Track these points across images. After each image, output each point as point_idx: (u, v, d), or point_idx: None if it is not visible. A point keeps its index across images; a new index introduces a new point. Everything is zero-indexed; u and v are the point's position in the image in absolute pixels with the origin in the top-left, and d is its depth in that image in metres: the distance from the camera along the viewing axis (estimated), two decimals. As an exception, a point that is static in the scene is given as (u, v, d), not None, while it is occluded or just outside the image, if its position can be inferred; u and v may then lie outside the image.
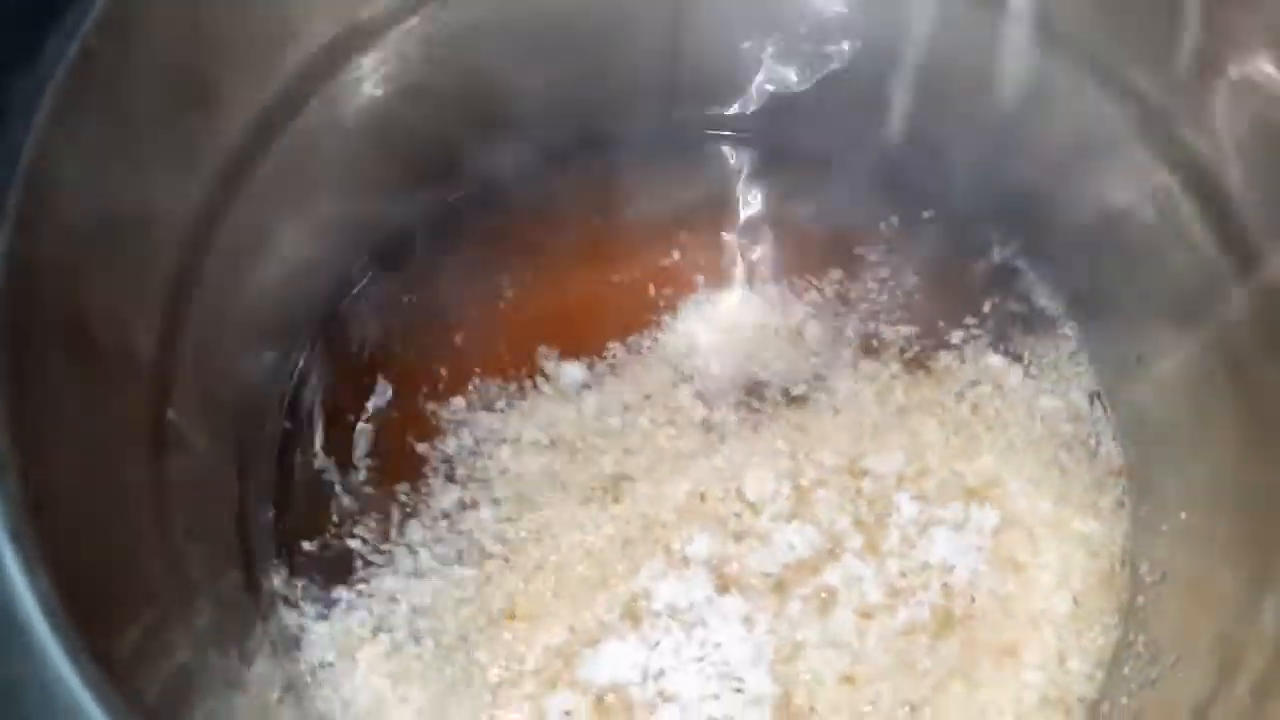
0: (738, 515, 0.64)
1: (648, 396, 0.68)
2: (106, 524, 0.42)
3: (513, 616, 0.61)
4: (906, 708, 0.60)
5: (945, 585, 0.63)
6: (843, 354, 0.69)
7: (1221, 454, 0.60)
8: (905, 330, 0.70)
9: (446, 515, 0.64)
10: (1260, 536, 0.55)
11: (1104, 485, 0.66)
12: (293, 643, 0.59)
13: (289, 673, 0.57)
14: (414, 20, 0.60)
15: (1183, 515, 0.62)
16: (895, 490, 0.65)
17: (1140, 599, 0.63)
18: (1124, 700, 0.60)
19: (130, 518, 0.44)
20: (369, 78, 0.60)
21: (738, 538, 0.64)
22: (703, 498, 0.65)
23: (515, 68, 0.64)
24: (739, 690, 0.60)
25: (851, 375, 0.69)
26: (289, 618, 0.60)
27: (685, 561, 0.63)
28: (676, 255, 0.72)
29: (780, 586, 0.63)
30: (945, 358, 0.69)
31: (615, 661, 0.60)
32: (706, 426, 0.67)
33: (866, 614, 0.62)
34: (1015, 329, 0.71)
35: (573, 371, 0.68)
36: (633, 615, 0.61)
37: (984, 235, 0.72)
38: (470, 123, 0.66)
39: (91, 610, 0.36)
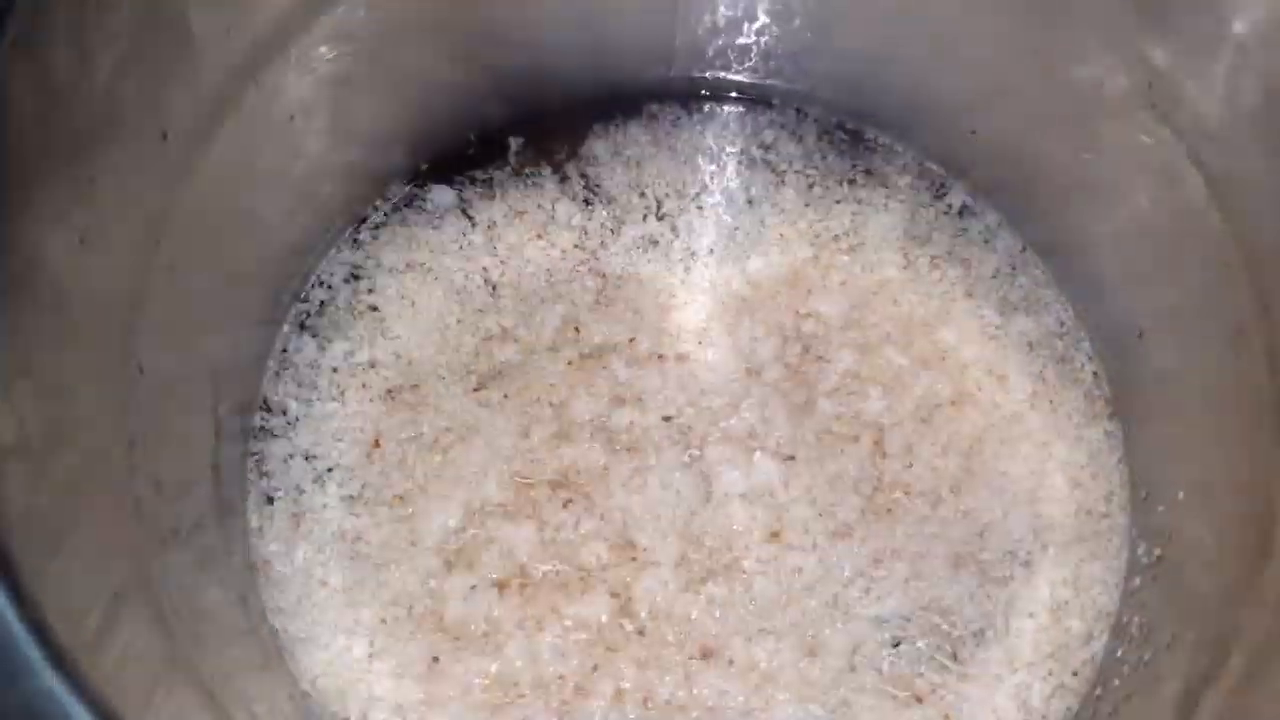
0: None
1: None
2: (64, 476, 0.41)
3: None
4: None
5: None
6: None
7: (1220, 430, 0.58)
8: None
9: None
10: (1260, 514, 0.53)
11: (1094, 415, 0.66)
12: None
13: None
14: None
15: (1180, 495, 0.61)
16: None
17: (1136, 580, 0.62)
18: (1116, 682, 0.59)
19: (91, 470, 0.43)
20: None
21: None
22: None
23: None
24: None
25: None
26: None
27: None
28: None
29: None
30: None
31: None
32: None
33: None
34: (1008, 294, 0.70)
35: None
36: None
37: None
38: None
39: (39, 557, 0.35)
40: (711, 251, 0.71)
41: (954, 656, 0.61)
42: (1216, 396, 0.59)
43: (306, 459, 0.64)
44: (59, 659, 0.30)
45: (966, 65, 0.68)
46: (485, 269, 0.70)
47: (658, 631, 0.61)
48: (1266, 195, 0.55)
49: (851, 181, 0.73)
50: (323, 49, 0.59)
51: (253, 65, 0.54)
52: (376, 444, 0.65)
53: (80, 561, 0.38)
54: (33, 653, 0.30)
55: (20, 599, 0.32)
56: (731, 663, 0.60)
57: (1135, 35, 0.58)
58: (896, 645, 0.60)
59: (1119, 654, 0.60)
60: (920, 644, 0.61)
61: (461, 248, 0.71)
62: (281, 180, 0.62)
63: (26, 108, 0.39)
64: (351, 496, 0.63)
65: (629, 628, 0.61)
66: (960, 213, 0.73)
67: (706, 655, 0.60)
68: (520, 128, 0.73)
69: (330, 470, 0.64)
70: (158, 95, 0.48)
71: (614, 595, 0.61)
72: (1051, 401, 0.68)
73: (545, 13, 0.68)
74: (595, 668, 0.60)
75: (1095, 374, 0.68)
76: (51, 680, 0.30)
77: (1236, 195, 0.57)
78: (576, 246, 0.71)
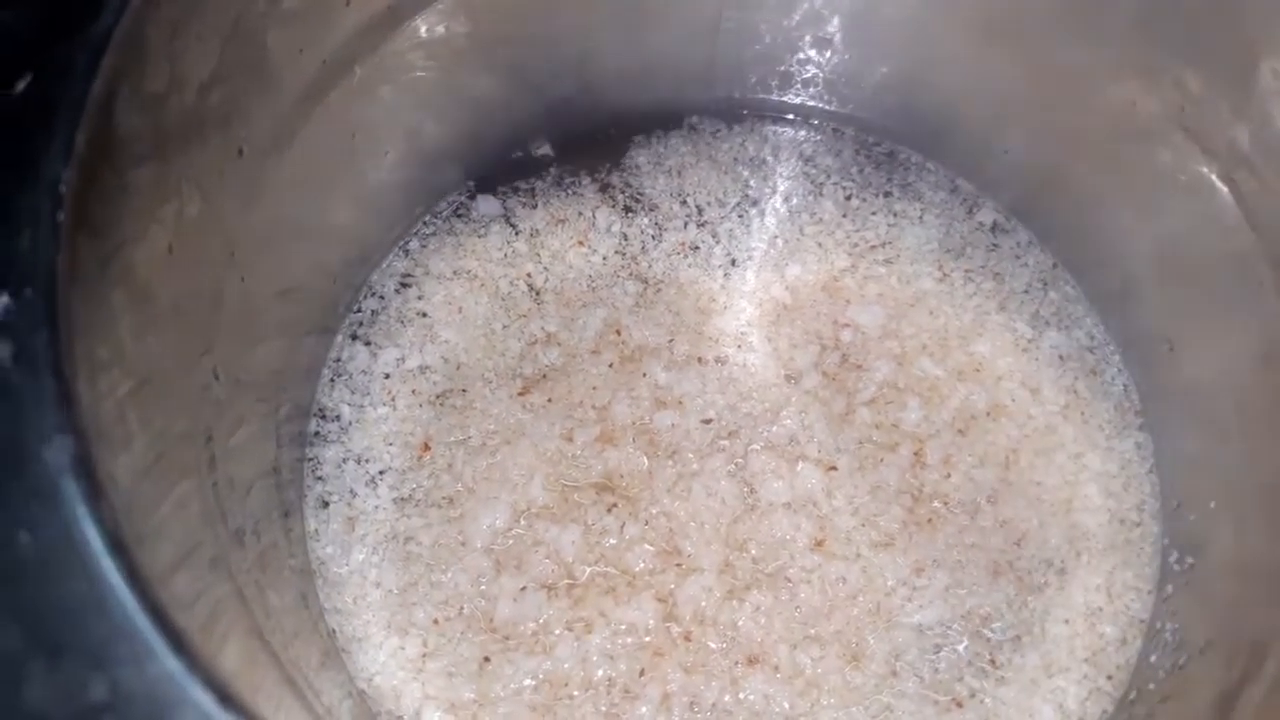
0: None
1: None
2: (157, 456, 0.42)
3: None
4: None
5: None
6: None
7: (1252, 440, 0.60)
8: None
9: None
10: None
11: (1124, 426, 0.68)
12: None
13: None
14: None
15: (1211, 504, 0.62)
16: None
17: (1169, 587, 0.64)
18: (1151, 686, 0.60)
19: (180, 457, 0.45)
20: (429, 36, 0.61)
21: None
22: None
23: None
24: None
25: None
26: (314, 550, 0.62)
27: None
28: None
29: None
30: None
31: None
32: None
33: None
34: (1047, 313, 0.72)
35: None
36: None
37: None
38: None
39: (145, 542, 0.36)
40: (751, 258, 0.73)
41: (993, 662, 0.62)
42: (1246, 408, 0.61)
43: (359, 463, 0.66)
44: (178, 643, 0.32)
45: (999, 88, 0.70)
46: (529, 275, 0.72)
47: (703, 637, 0.62)
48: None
49: (888, 194, 0.75)
50: (386, 70, 0.61)
51: (322, 86, 0.56)
52: (426, 447, 0.67)
53: (178, 548, 0.40)
54: (153, 637, 0.31)
55: (137, 582, 0.33)
56: (777, 669, 0.61)
57: (1167, 59, 0.60)
58: (937, 651, 0.62)
59: (1153, 659, 0.62)
60: (960, 650, 0.62)
61: (506, 255, 0.72)
62: (343, 195, 0.64)
63: (126, 113, 0.40)
64: (403, 499, 0.65)
65: (675, 632, 0.62)
66: (993, 229, 0.75)
67: (752, 661, 0.61)
68: (564, 140, 0.75)
69: (382, 473, 0.66)
70: (237, 112, 0.50)
71: (660, 600, 0.63)
72: (1083, 413, 0.69)
73: (591, 36, 0.70)
74: (642, 671, 0.61)
75: (1125, 386, 0.70)
76: (172, 664, 0.31)
77: (1267, 214, 0.59)
78: (617, 253, 0.73)
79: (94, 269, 0.38)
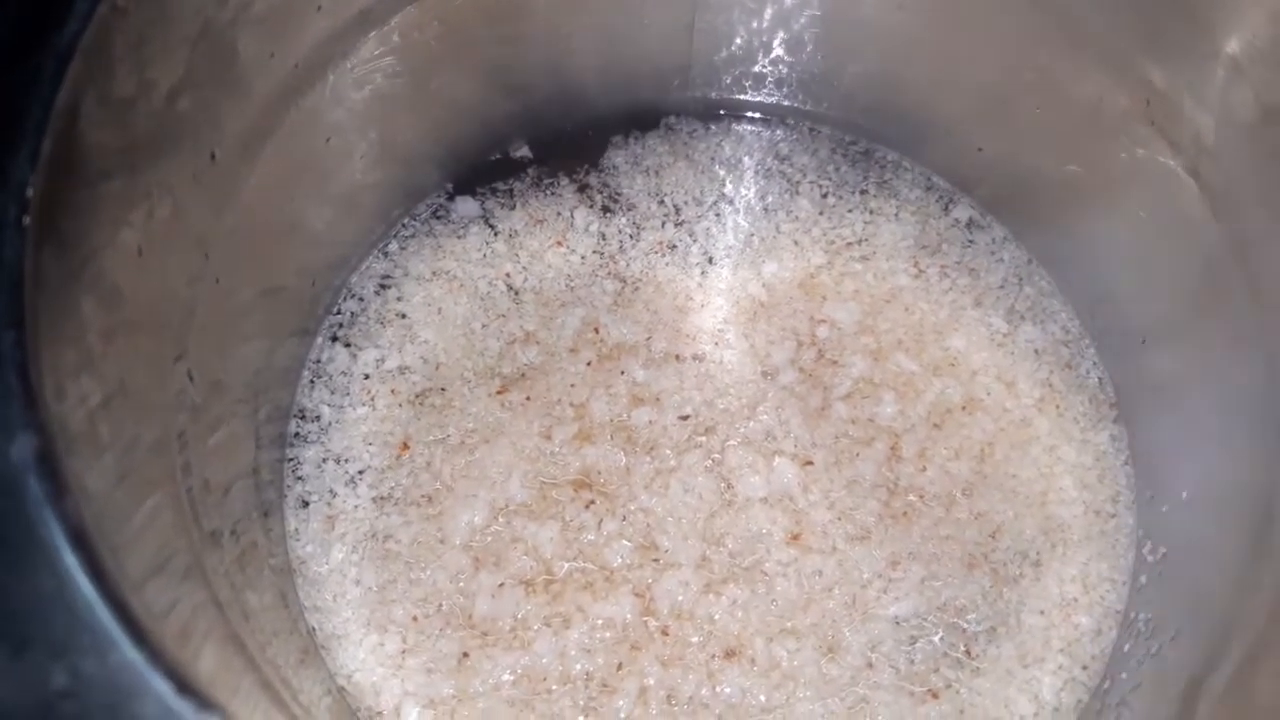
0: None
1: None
2: (129, 466, 0.43)
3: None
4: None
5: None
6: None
7: (1222, 430, 0.60)
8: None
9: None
10: (1259, 512, 0.56)
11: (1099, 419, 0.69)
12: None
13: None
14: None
15: (1184, 495, 0.63)
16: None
17: (1143, 578, 0.64)
18: (1124, 675, 0.61)
19: (151, 463, 0.45)
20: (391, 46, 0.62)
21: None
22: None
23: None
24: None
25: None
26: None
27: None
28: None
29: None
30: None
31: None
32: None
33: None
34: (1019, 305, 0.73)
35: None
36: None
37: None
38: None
39: (119, 552, 0.37)
40: (728, 256, 0.74)
41: (968, 653, 0.63)
42: (1217, 399, 0.61)
43: (339, 462, 0.66)
44: (139, 634, 0.32)
45: (972, 87, 0.71)
46: (508, 275, 0.72)
47: (681, 631, 0.63)
48: (1261, 207, 0.57)
49: (864, 192, 0.76)
50: (359, 74, 0.61)
51: (294, 89, 0.57)
52: (405, 447, 0.67)
53: (152, 556, 0.40)
54: (114, 629, 0.32)
55: (99, 576, 0.34)
56: (753, 662, 0.62)
57: (1134, 55, 0.61)
58: (913, 643, 0.63)
59: (1127, 648, 0.62)
60: (935, 641, 0.63)
61: (485, 256, 0.73)
62: (319, 198, 0.64)
63: (93, 120, 0.41)
64: (382, 498, 0.66)
65: (653, 626, 0.63)
66: (968, 225, 0.75)
67: (729, 654, 0.62)
68: (542, 141, 0.75)
69: (361, 473, 0.66)
70: (208, 116, 0.51)
71: (637, 595, 0.63)
72: (1058, 406, 0.70)
73: (567, 38, 0.70)
74: (620, 665, 0.62)
75: (1100, 380, 0.71)
76: (132, 654, 0.32)
77: (1232, 207, 0.59)
78: (595, 252, 0.73)
79: (62, 272, 0.39)
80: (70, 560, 0.33)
